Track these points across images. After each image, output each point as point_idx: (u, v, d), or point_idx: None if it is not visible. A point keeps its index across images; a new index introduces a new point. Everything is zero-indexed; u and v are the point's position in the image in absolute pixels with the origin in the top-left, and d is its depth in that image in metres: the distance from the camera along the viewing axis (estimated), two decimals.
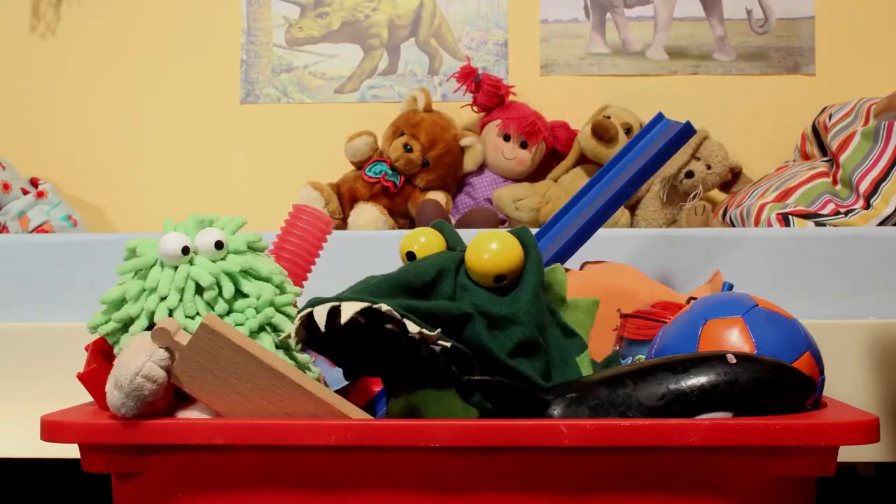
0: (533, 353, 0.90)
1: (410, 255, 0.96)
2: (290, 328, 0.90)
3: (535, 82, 2.08)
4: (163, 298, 0.89)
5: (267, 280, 0.92)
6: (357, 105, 2.12)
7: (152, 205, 2.13)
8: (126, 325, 0.90)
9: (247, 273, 0.92)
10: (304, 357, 0.94)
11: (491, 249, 0.91)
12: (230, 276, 0.91)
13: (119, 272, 0.91)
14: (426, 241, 0.96)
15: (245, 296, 0.91)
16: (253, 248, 0.94)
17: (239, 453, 0.84)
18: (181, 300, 0.89)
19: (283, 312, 0.92)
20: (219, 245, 0.91)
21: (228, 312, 0.90)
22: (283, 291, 0.93)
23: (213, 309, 0.90)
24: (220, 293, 0.90)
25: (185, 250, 0.90)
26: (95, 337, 0.93)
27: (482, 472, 0.82)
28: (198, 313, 0.89)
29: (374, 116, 2.07)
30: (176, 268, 0.90)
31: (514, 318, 0.89)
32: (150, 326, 0.89)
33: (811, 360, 0.89)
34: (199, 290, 0.90)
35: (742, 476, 0.81)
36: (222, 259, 0.91)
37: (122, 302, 0.91)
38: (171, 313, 0.88)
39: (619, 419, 0.82)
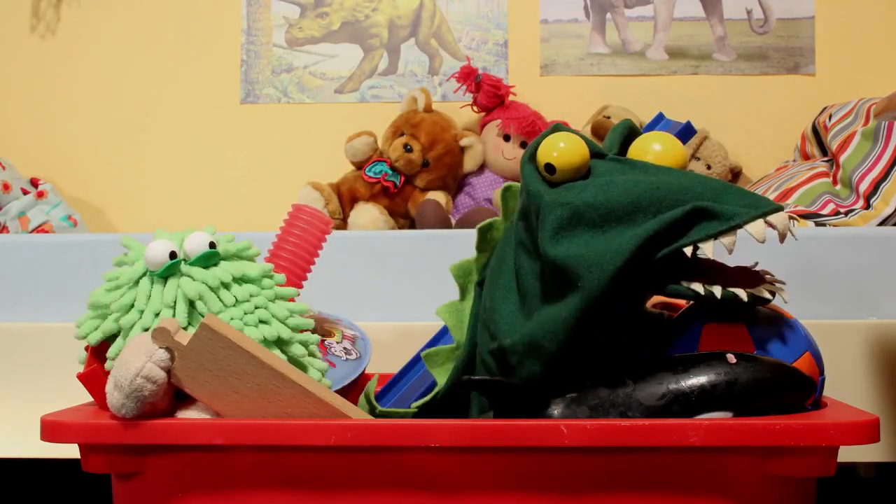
0: None
1: (550, 169, 0.89)
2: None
3: (535, 82, 2.08)
4: (156, 314, 0.88)
5: (257, 283, 0.91)
6: (357, 105, 2.12)
7: (152, 205, 2.13)
8: (115, 336, 0.90)
9: (240, 280, 0.91)
10: (321, 364, 0.93)
11: (655, 150, 0.91)
12: (223, 283, 0.90)
13: (106, 279, 0.91)
14: (565, 146, 0.89)
15: (238, 300, 0.90)
16: (242, 256, 0.93)
17: (239, 453, 0.84)
18: (174, 314, 0.88)
19: (276, 316, 0.92)
20: (212, 245, 0.90)
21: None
22: (276, 295, 0.93)
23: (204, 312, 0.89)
24: (208, 305, 0.89)
25: (173, 255, 0.89)
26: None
27: (482, 472, 0.82)
28: (190, 324, 0.88)
29: (374, 116, 2.07)
30: (166, 279, 0.89)
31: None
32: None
33: (811, 360, 0.89)
34: (190, 301, 0.89)
35: (742, 476, 0.81)
36: (214, 265, 0.90)
37: (108, 313, 0.90)
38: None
39: (619, 419, 0.82)
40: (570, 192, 0.87)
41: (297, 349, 0.90)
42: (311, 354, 0.93)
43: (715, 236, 0.83)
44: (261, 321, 0.89)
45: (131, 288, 0.90)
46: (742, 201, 0.85)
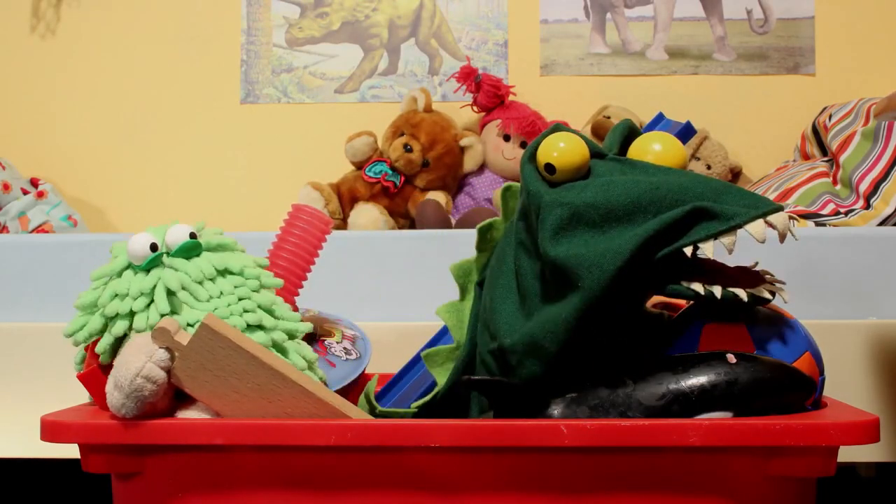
0: None
1: (550, 169, 0.89)
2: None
3: (535, 82, 2.08)
4: (135, 299, 0.88)
5: (240, 274, 0.91)
6: (357, 105, 2.12)
7: (152, 205, 2.13)
8: (101, 333, 0.90)
9: (223, 272, 0.91)
10: (311, 355, 0.93)
11: (655, 150, 0.90)
12: (205, 275, 0.90)
13: (93, 278, 0.91)
14: (565, 146, 0.88)
15: (223, 292, 0.90)
16: (225, 248, 0.93)
17: (239, 453, 0.84)
18: (152, 300, 0.88)
19: (260, 305, 0.91)
20: (193, 236, 0.90)
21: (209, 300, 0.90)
22: (261, 285, 0.93)
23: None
24: (195, 295, 0.89)
25: (154, 247, 0.89)
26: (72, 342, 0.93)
27: (482, 472, 0.82)
28: (173, 311, 0.88)
29: (374, 116, 2.07)
30: (148, 270, 0.89)
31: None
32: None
33: (811, 360, 0.89)
34: (172, 291, 0.89)
35: (742, 476, 0.81)
36: (196, 256, 0.91)
37: (94, 310, 0.90)
38: (147, 316, 0.88)
39: (619, 419, 0.82)
40: (570, 192, 0.87)
41: (278, 335, 0.90)
42: (296, 340, 0.93)
43: (715, 236, 0.84)
44: (245, 310, 0.89)
45: (113, 279, 0.90)
46: (742, 201, 0.85)
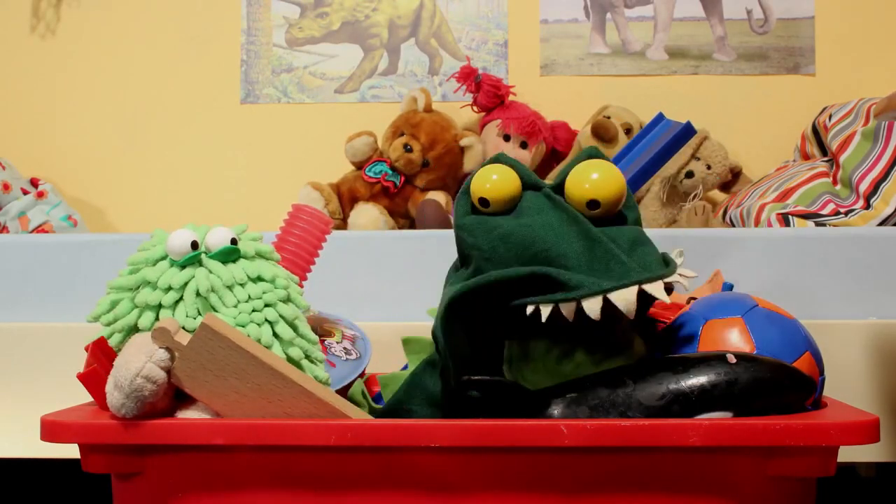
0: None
1: (484, 202, 0.91)
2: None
3: (535, 82, 2.08)
4: (165, 291, 0.88)
5: (270, 282, 0.91)
6: (357, 105, 2.12)
7: (152, 205, 2.13)
8: (126, 315, 0.90)
9: (255, 279, 0.91)
10: (324, 375, 0.93)
11: (592, 179, 0.89)
12: (237, 282, 0.90)
13: (129, 262, 0.91)
14: (498, 178, 0.90)
15: (251, 297, 0.90)
16: (262, 256, 0.93)
17: (239, 453, 0.84)
18: (181, 300, 0.88)
19: (283, 316, 0.91)
20: (234, 241, 0.90)
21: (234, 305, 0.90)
22: (289, 298, 0.93)
23: (215, 309, 0.89)
24: (223, 300, 0.89)
25: (195, 245, 0.89)
26: (96, 336, 0.93)
27: (482, 472, 0.82)
28: (199, 313, 0.89)
29: (374, 116, 2.07)
30: (183, 266, 0.90)
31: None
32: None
33: (811, 360, 0.89)
34: (202, 293, 0.89)
35: (742, 476, 0.81)
36: (233, 262, 0.91)
37: (124, 293, 0.91)
38: (173, 312, 0.88)
39: (619, 419, 0.82)
40: (475, 236, 0.89)
41: (295, 352, 0.90)
42: (313, 361, 0.93)
43: (555, 302, 0.83)
44: (267, 320, 0.89)
45: (148, 266, 0.90)
46: (610, 270, 0.84)
